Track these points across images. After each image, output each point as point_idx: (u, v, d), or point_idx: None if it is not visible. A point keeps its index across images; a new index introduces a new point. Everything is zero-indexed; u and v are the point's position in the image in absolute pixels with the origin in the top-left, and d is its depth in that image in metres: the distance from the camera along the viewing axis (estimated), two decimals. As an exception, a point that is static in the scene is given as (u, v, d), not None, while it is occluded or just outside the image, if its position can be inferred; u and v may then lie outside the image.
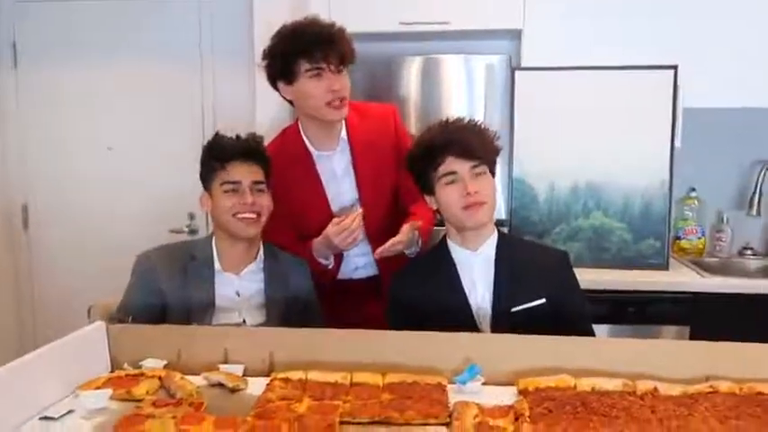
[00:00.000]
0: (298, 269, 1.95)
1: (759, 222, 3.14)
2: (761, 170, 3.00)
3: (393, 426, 1.23)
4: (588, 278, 2.47)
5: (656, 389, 1.33)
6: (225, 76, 3.25)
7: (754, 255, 3.13)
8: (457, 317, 1.71)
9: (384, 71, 2.75)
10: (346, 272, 2.12)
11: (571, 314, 1.75)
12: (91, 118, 3.42)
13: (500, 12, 2.77)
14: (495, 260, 1.76)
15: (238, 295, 1.87)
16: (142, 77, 3.36)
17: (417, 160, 1.78)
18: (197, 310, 1.80)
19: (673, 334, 2.56)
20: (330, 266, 2.03)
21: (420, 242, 1.97)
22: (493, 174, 1.77)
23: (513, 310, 1.71)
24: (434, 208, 1.83)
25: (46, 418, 1.29)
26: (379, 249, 1.90)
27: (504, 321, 1.70)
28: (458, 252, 1.78)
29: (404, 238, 1.89)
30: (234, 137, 1.85)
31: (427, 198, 1.81)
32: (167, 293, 1.82)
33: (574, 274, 1.83)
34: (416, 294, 1.75)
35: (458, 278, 1.76)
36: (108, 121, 3.42)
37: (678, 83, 2.67)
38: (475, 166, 1.70)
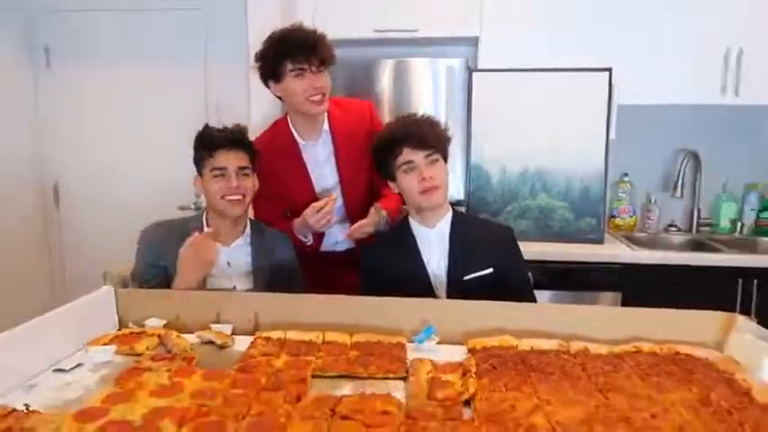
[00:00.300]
0: (282, 243, 1.90)
1: (682, 203, 3.11)
2: (683, 159, 2.97)
3: (358, 379, 1.20)
4: (535, 250, 2.47)
5: (586, 348, 1.29)
6: (224, 78, 3.20)
7: (678, 231, 3.11)
8: (417, 284, 1.69)
9: (362, 72, 2.70)
10: (328, 245, 2.08)
11: (515, 281, 1.72)
12: (111, 111, 3.37)
13: (460, 21, 2.73)
14: (450, 235, 1.73)
15: (229, 265, 1.80)
16: (154, 77, 3.30)
17: (379, 152, 1.73)
18: None
19: (607, 299, 2.53)
20: (309, 243, 1.99)
21: (387, 221, 1.92)
22: (445, 160, 1.72)
23: (466, 278, 1.68)
24: (396, 192, 1.78)
25: (59, 369, 1.27)
26: (347, 232, 1.91)
27: (458, 288, 1.67)
28: (417, 228, 1.75)
29: (370, 221, 1.88)
30: (221, 128, 1.79)
31: (391, 184, 1.77)
32: (168, 262, 1.76)
33: (518, 247, 1.79)
34: (383, 265, 1.72)
35: (418, 251, 1.73)
36: (125, 115, 3.36)
37: (612, 83, 2.64)
38: (429, 155, 1.66)
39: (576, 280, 2.53)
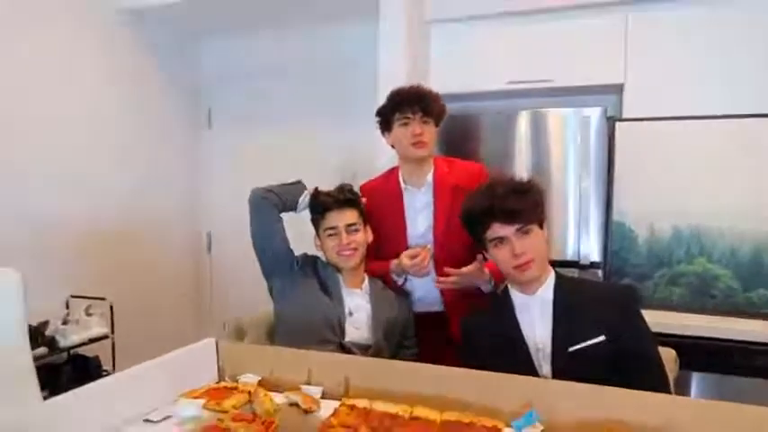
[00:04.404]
0: (399, 296, 1.99)
1: None
2: None
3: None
4: (689, 324, 2.16)
5: (736, 459, 0.99)
6: (361, 136, 3.16)
7: None
8: (516, 356, 1.51)
9: (498, 124, 2.61)
10: (417, 304, 2.06)
11: (637, 353, 1.45)
12: (260, 169, 3.50)
13: (601, 68, 2.55)
14: (554, 302, 1.53)
15: (351, 314, 1.89)
16: (296, 135, 3.46)
17: (467, 223, 1.61)
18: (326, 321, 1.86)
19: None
20: (401, 284, 2.05)
21: (492, 281, 1.83)
22: (540, 225, 1.54)
23: (571, 349, 1.45)
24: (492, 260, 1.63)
25: (147, 420, 1.26)
26: (440, 279, 1.88)
27: (564, 360, 1.46)
28: (517, 296, 1.58)
29: (468, 269, 1.80)
30: (328, 192, 1.96)
31: (486, 253, 1.63)
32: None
33: (639, 311, 1.52)
34: (482, 334, 1.59)
35: (516, 320, 1.55)
36: (272, 172, 3.49)
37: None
38: (520, 228, 1.50)
39: (741, 363, 2.11)
